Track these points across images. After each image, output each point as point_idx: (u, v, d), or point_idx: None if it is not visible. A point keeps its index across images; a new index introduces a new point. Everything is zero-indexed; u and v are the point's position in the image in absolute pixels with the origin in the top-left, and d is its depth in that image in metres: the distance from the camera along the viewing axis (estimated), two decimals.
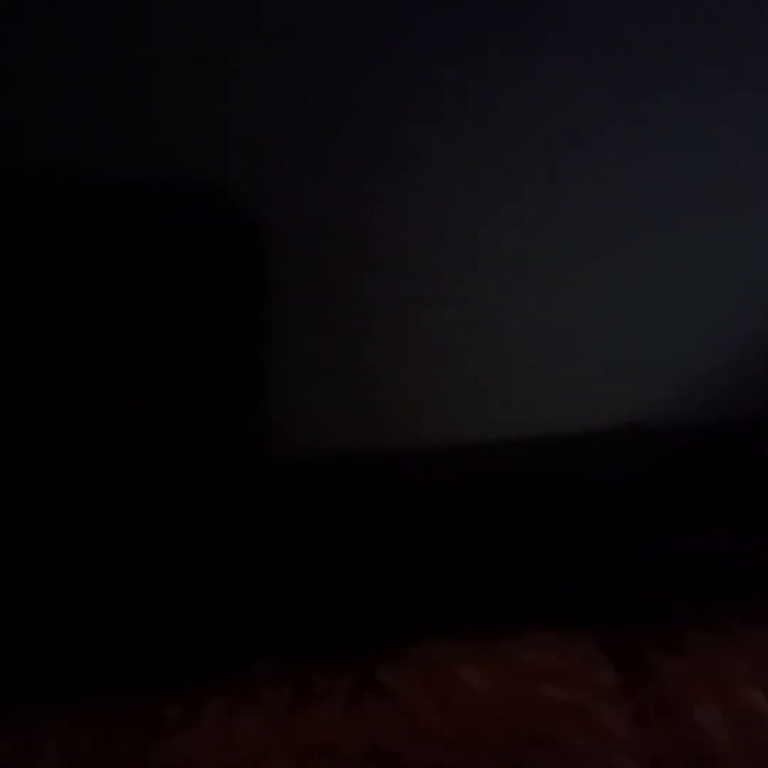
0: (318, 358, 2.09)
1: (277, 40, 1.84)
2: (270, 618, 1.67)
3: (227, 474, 1.85)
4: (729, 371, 2.32)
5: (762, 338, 2.31)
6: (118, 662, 1.57)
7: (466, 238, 2.08)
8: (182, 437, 1.80)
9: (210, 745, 1.41)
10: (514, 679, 1.54)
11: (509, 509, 1.99)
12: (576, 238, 2.13)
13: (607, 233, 2.14)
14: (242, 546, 1.83)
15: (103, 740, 1.42)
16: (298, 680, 1.53)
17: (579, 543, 1.90)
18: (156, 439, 1.79)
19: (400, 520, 1.95)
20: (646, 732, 1.45)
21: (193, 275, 1.74)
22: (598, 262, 2.16)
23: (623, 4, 1.96)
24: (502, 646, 1.62)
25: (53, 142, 1.79)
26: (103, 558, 1.76)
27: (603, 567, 1.83)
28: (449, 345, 2.15)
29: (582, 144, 2.06)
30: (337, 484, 2.04)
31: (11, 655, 1.59)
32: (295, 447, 2.07)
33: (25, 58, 1.72)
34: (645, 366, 2.26)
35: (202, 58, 1.82)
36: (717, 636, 1.65)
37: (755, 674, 1.56)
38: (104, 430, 1.76)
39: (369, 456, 2.13)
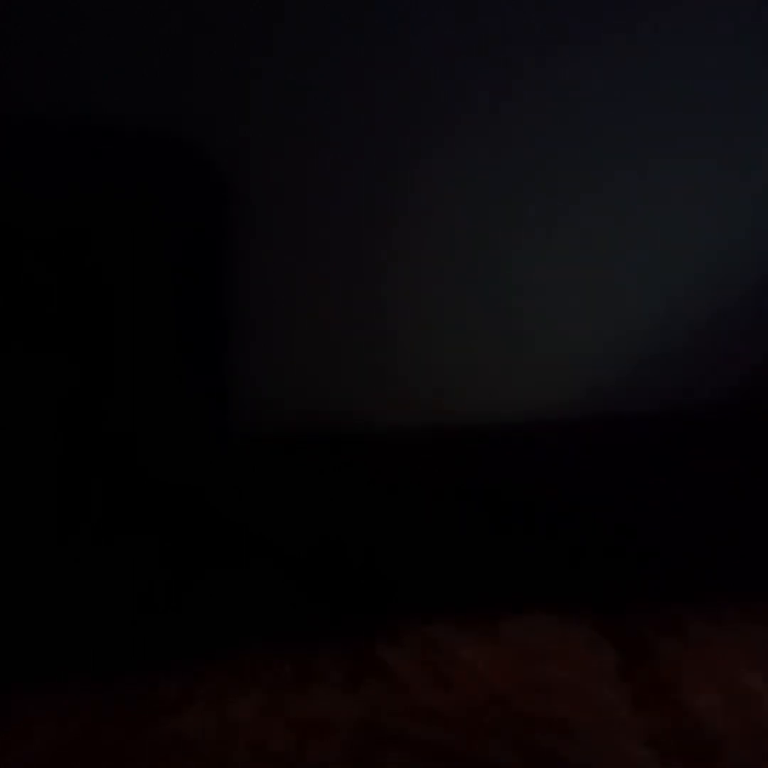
0: (308, 340, 2.10)
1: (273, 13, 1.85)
2: (268, 597, 1.67)
3: (219, 448, 1.85)
4: (717, 359, 2.34)
5: (742, 327, 2.33)
6: (112, 640, 1.57)
7: (449, 228, 2.09)
8: (175, 411, 1.80)
9: (207, 724, 1.40)
10: (513, 660, 1.55)
11: (511, 491, 2.00)
12: (564, 235, 2.15)
13: (597, 231, 2.16)
14: (239, 523, 1.83)
15: (98, 719, 1.41)
16: (297, 659, 1.53)
17: (580, 526, 1.90)
18: (150, 414, 1.79)
19: (400, 502, 1.95)
20: (645, 712, 1.46)
21: (167, 231, 1.74)
22: (589, 257, 2.18)
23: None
24: (503, 627, 1.62)
25: (46, 84, 1.81)
26: (98, 533, 1.75)
27: (604, 550, 1.83)
28: (436, 328, 2.16)
29: (577, 145, 2.08)
30: (336, 464, 2.04)
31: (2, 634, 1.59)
32: (290, 426, 2.08)
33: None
34: (635, 353, 2.28)
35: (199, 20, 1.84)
36: (716, 621, 1.66)
37: (753, 659, 1.57)
38: (100, 405, 1.76)
39: (367, 435, 2.14)
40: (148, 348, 1.78)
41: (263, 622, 1.61)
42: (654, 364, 2.30)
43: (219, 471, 1.90)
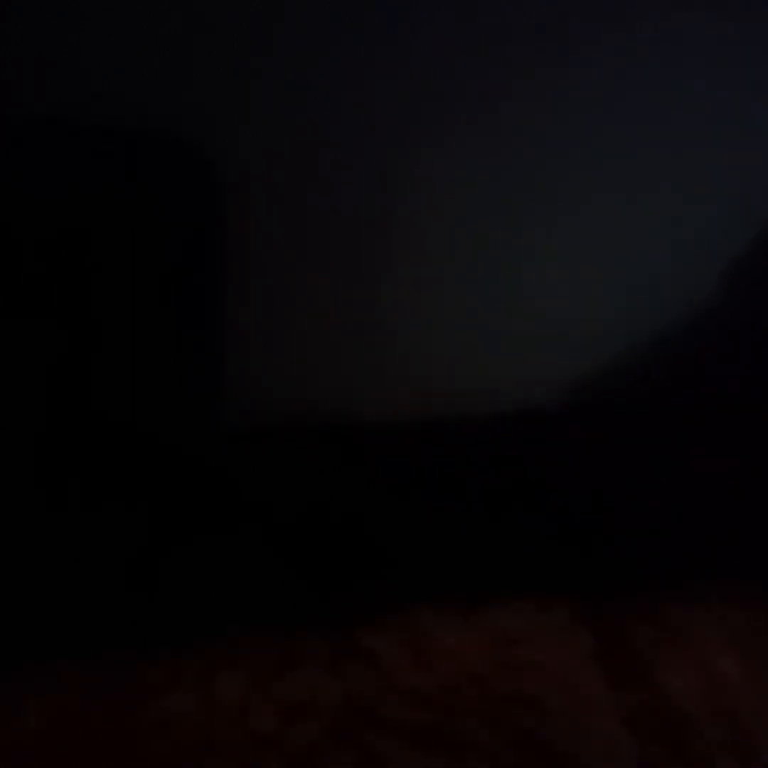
0: (307, 339, 2.11)
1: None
2: (254, 581, 1.68)
3: (213, 431, 1.85)
4: (717, 357, 2.33)
5: (743, 326, 2.33)
6: (99, 622, 1.57)
7: (449, 228, 2.10)
8: (170, 395, 1.81)
9: (192, 705, 1.41)
10: (492, 643, 1.56)
11: (491, 480, 2.00)
12: (564, 235, 2.16)
13: (597, 231, 2.16)
14: (228, 504, 1.83)
15: (86, 699, 1.42)
16: (282, 642, 1.54)
17: (559, 513, 1.91)
18: (144, 398, 1.80)
19: (385, 490, 1.95)
20: (620, 693, 1.47)
21: (166, 230, 1.75)
22: (589, 257, 2.18)
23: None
24: (482, 612, 1.64)
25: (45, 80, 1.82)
26: (84, 506, 1.76)
27: (582, 537, 1.84)
28: (436, 327, 2.17)
29: (577, 145, 2.09)
30: (326, 451, 2.04)
31: None
32: (284, 410, 2.09)
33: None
34: (633, 352, 2.28)
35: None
36: (695, 606, 1.67)
37: (728, 644, 1.58)
38: (85, 376, 1.76)
39: (358, 425, 2.14)
40: (145, 343, 1.79)
41: (249, 605, 1.62)
42: (654, 362, 2.30)
43: (210, 451, 1.90)
